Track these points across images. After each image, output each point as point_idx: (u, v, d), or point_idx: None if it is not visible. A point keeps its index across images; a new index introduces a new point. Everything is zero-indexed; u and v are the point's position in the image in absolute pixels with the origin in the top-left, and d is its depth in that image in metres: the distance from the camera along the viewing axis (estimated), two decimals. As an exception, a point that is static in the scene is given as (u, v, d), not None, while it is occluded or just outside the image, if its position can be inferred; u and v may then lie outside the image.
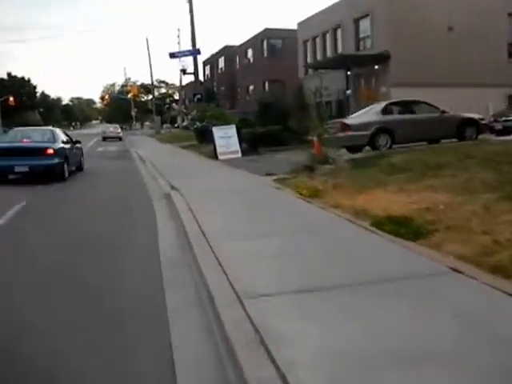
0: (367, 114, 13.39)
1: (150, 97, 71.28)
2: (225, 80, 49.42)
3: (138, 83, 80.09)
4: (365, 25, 21.12)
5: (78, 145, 15.24)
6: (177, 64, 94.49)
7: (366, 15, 20.58)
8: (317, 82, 25.32)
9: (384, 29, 19.28)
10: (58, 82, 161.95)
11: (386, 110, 13.29)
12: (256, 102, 20.67)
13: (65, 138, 14.17)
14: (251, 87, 42.41)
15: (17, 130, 16.03)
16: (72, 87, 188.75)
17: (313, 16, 26.58)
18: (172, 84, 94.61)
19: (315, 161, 11.91)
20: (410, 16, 19.00)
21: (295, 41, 35.30)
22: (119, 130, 47.42)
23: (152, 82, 54.46)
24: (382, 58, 19.49)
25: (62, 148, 13.20)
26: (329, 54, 24.40)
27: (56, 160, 12.49)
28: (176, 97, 79.80)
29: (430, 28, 19.40)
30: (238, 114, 27.20)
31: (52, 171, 12.45)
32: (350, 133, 12.58)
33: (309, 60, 28.07)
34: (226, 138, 17.48)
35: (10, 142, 13.46)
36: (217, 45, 77.53)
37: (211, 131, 17.58)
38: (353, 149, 14.20)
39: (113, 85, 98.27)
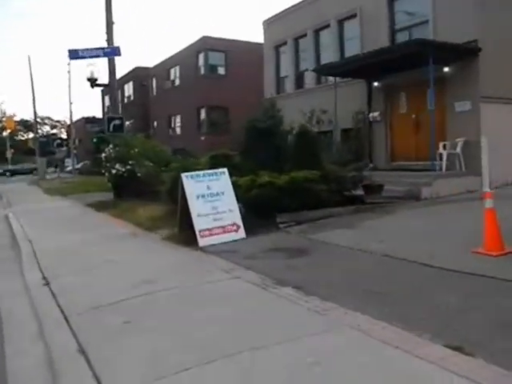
0: None
1: (32, 135, 59.64)
2: (134, 110, 39.93)
3: (17, 118, 67.56)
4: (413, 5, 13.56)
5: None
6: (66, 96, 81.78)
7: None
8: (297, 103, 17.32)
9: (466, 7, 11.75)
10: None
11: None
12: (243, 129, 11.95)
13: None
14: (177, 117, 33.47)
15: None
16: None
17: (293, 8, 18.74)
18: (58, 121, 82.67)
19: None
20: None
21: (243, 55, 27.52)
22: (-14, 176, 36.56)
23: (35, 112, 43.27)
24: (466, 54, 11.92)
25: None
26: (329, 58, 16.50)
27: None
28: (64, 135, 68.21)
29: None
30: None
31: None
32: None
33: (284, 73, 20.00)
34: (212, 197, 8.51)
35: None
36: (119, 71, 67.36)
37: (181, 183, 8.46)
38: None
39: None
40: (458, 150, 12.41)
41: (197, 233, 8.12)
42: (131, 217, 12.10)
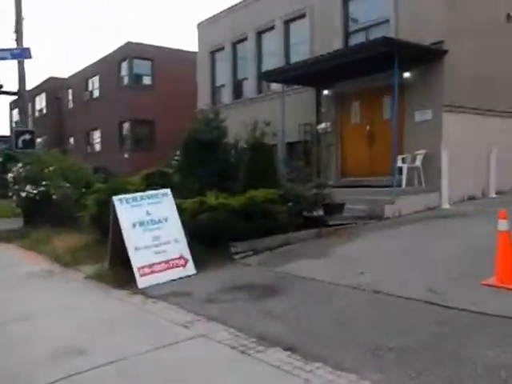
0: None
1: None
2: (47, 126, 37.16)
3: None
4: (372, 3, 13.09)
5: None
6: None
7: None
8: (236, 115, 16.26)
9: (432, 6, 11.12)
10: None
11: None
12: (181, 142, 10.64)
13: None
14: (97, 133, 31.28)
15: None
16: None
17: (232, 9, 17.65)
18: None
19: None
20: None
21: (172, 63, 26.17)
22: None
23: None
24: (431, 56, 11.32)
25: None
26: (272, 64, 15.56)
27: None
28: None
29: (487, 14, 12.06)
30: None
31: None
32: None
33: (220, 82, 18.82)
34: (153, 225, 7.14)
35: None
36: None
37: (112, 208, 6.99)
38: None
39: None
40: (418, 163, 11.79)
41: (135, 271, 6.68)
42: (46, 249, 10.41)
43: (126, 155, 27.03)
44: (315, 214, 9.75)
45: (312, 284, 6.14)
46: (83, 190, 13.42)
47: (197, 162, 10.21)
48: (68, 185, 14.77)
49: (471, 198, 12.53)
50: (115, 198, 7.01)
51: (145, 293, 6.40)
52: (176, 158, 12.94)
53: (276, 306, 5.29)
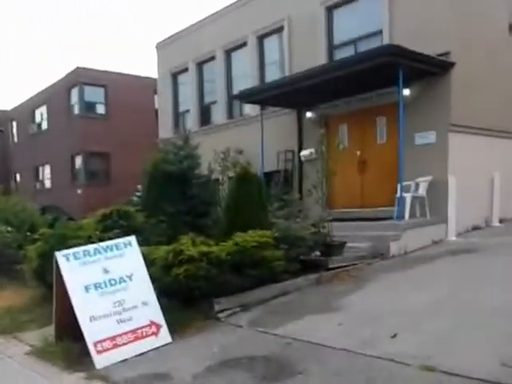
0: None
1: None
2: (-12, 163, 35.10)
3: None
4: (362, 12, 11.95)
5: None
6: None
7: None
8: (204, 143, 14.99)
9: (434, 12, 10.21)
10: None
11: None
12: (146, 175, 9.27)
13: None
14: (46, 168, 29.47)
15: None
16: None
17: (196, 26, 16.49)
18: None
19: None
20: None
21: (128, 90, 24.92)
22: None
23: None
24: (437, 69, 10.28)
25: None
26: (244, 85, 14.40)
27: None
28: None
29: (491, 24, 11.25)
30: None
31: None
32: None
33: (185, 107, 17.48)
34: (113, 286, 5.72)
35: None
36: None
37: (56, 267, 5.49)
38: None
39: None
40: (422, 191, 10.72)
41: (91, 348, 5.17)
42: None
43: (80, 191, 25.50)
44: (314, 255, 8.49)
45: (333, 355, 4.78)
46: (28, 234, 11.97)
47: (165, 197, 8.83)
48: (10, 229, 13.28)
49: (475, 228, 11.63)
50: (59, 255, 5.47)
51: (105, 376, 4.92)
52: (138, 193, 11.71)
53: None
